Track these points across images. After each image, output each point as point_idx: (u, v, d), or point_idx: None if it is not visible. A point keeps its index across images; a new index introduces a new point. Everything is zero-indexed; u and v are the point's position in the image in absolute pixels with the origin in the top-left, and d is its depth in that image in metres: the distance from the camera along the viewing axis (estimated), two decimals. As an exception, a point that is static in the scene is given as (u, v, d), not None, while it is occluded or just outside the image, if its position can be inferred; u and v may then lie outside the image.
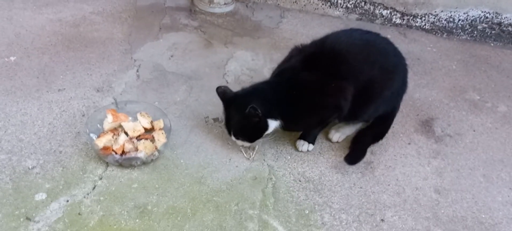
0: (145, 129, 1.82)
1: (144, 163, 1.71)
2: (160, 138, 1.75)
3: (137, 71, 2.22)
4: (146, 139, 1.75)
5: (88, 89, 2.07)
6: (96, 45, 2.38)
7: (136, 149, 1.70)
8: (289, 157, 1.86)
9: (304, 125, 1.86)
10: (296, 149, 1.89)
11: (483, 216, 1.70)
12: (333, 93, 1.74)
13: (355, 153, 1.85)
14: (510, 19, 2.66)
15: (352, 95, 1.76)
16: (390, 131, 2.02)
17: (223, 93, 1.78)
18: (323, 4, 2.84)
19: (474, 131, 2.12)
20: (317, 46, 1.85)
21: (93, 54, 2.31)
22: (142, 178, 1.67)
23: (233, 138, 1.77)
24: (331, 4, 2.83)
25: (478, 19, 2.71)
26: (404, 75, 1.95)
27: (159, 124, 1.82)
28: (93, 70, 2.19)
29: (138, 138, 1.77)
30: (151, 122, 1.83)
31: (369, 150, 1.92)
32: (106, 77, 2.15)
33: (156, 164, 1.73)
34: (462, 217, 1.69)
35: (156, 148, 1.72)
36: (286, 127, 1.82)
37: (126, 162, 1.68)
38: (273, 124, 1.76)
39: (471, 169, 1.90)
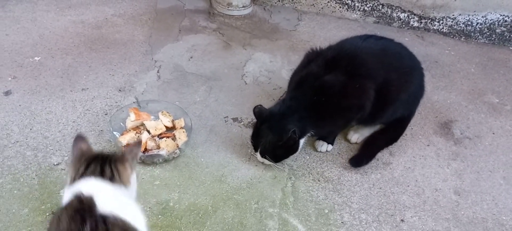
0: (167, 128, 1.85)
1: (166, 160, 1.74)
2: (181, 136, 1.78)
3: (158, 72, 2.26)
4: (168, 137, 1.78)
5: (111, 89, 2.11)
6: (118, 46, 2.43)
7: (158, 147, 1.73)
8: (308, 157, 1.88)
9: (330, 128, 1.87)
10: (315, 150, 1.91)
11: (504, 218, 1.70)
12: (357, 94, 1.76)
13: (361, 156, 1.86)
14: (530, 22, 2.64)
15: (373, 96, 1.78)
16: (408, 133, 2.03)
17: (260, 113, 1.74)
18: (340, 7, 2.86)
19: (493, 133, 2.11)
20: (336, 50, 1.87)
21: (115, 55, 2.35)
22: (164, 175, 1.70)
23: (258, 155, 1.76)
24: (348, 7, 2.85)
25: (496, 23, 2.69)
26: (421, 80, 1.96)
27: (180, 122, 1.85)
28: (115, 71, 2.24)
29: (160, 136, 1.81)
30: (173, 121, 1.87)
31: (387, 151, 1.93)
32: (128, 78, 2.19)
33: (177, 161, 1.76)
34: (483, 219, 1.68)
35: (177, 146, 1.75)
36: (316, 133, 1.84)
37: (148, 159, 1.71)
38: (302, 143, 1.78)
39: (491, 171, 1.90)
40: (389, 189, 1.77)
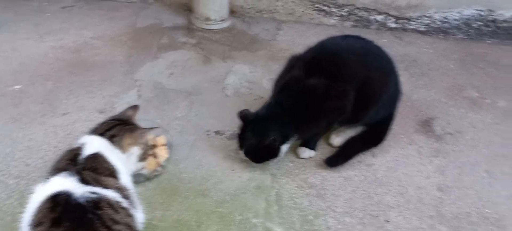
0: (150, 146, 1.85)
1: (148, 179, 1.73)
2: (162, 153, 1.78)
3: (138, 91, 2.27)
4: (149, 155, 1.78)
5: (91, 112, 2.11)
6: (98, 68, 2.44)
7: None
8: (291, 164, 1.88)
9: (313, 131, 1.88)
10: (298, 156, 1.91)
11: (488, 210, 1.71)
12: (337, 96, 1.77)
13: (337, 156, 1.87)
14: (504, 15, 2.68)
15: (354, 97, 1.80)
16: (390, 133, 2.04)
17: (245, 116, 1.79)
18: (318, 13, 2.89)
19: (474, 127, 2.13)
20: (316, 52, 1.90)
21: (95, 78, 2.36)
22: (146, 193, 1.69)
23: (242, 153, 1.79)
24: (326, 13, 2.88)
25: (472, 18, 2.73)
26: (397, 81, 1.98)
27: (161, 140, 1.85)
28: (95, 93, 2.24)
29: (141, 155, 1.81)
30: (154, 139, 1.87)
31: (370, 152, 1.94)
32: (109, 99, 2.20)
33: (159, 179, 1.76)
34: (467, 213, 1.69)
35: (159, 164, 1.75)
36: (299, 138, 1.86)
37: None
38: (285, 149, 1.80)
39: (473, 165, 1.91)
40: (372, 190, 1.77)
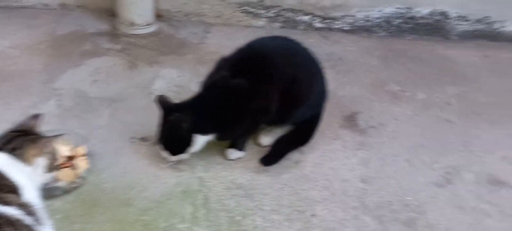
0: (67, 157, 1.76)
1: (66, 192, 1.65)
2: (81, 164, 1.70)
3: (58, 100, 2.16)
4: (66, 166, 1.69)
5: (7, 124, 1.96)
6: (14, 78, 2.30)
7: (56, 179, 1.64)
8: (220, 166, 1.86)
9: (237, 132, 1.88)
10: (226, 158, 1.90)
11: (408, 198, 1.78)
12: (260, 96, 1.78)
13: (271, 155, 1.88)
14: (422, 12, 2.83)
15: (280, 97, 1.82)
16: (318, 130, 2.08)
17: (163, 102, 1.78)
18: (246, 15, 2.90)
19: (396, 120, 2.22)
20: (243, 53, 1.91)
21: (11, 88, 2.22)
22: (64, 207, 1.61)
23: (158, 147, 1.76)
24: (254, 15, 2.90)
25: (392, 16, 2.86)
26: (324, 81, 2.02)
27: (81, 150, 1.76)
28: (12, 104, 2.11)
29: (59, 166, 1.71)
30: (72, 149, 1.78)
31: (298, 150, 1.96)
32: (25, 110, 2.06)
33: (79, 191, 1.68)
34: (388, 202, 1.76)
35: (77, 175, 1.67)
36: (221, 137, 1.84)
37: (45, 193, 1.61)
38: (202, 140, 1.77)
39: (395, 156, 1.99)
40: (299, 186, 1.80)
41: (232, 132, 1.84)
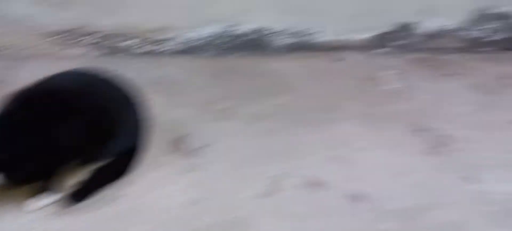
0: None
1: None
2: None
3: None
4: None
5: None
6: None
7: None
8: (26, 220, 1.63)
9: (33, 172, 1.68)
10: (35, 209, 1.67)
11: (236, 214, 1.76)
12: (48, 136, 1.63)
13: (80, 190, 1.74)
14: (243, 29, 2.92)
15: (82, 132, 1.68)
16: (144, 158, 1.97)
17: None
18: (63, 45, 2.68)
19: (226, 136, 2.21)
20: (34, 88, 1.75)
21: None
22: None
23: None
24: (73, 44, 2.69)
25: (217, 35, 2.91)
26: (137, 109, 1.93)
27: None
28: None
29: None
30: None
31: (117, 184, 1.83)
32: None
33: None
34: (218, 222, 1.72)
35: None
36: (14, 178, 1.63)
37: None
38: None
39: (225, 173, 1.97)
40: (121, 225, 1.66)
41: (23, 172, 1.64)
